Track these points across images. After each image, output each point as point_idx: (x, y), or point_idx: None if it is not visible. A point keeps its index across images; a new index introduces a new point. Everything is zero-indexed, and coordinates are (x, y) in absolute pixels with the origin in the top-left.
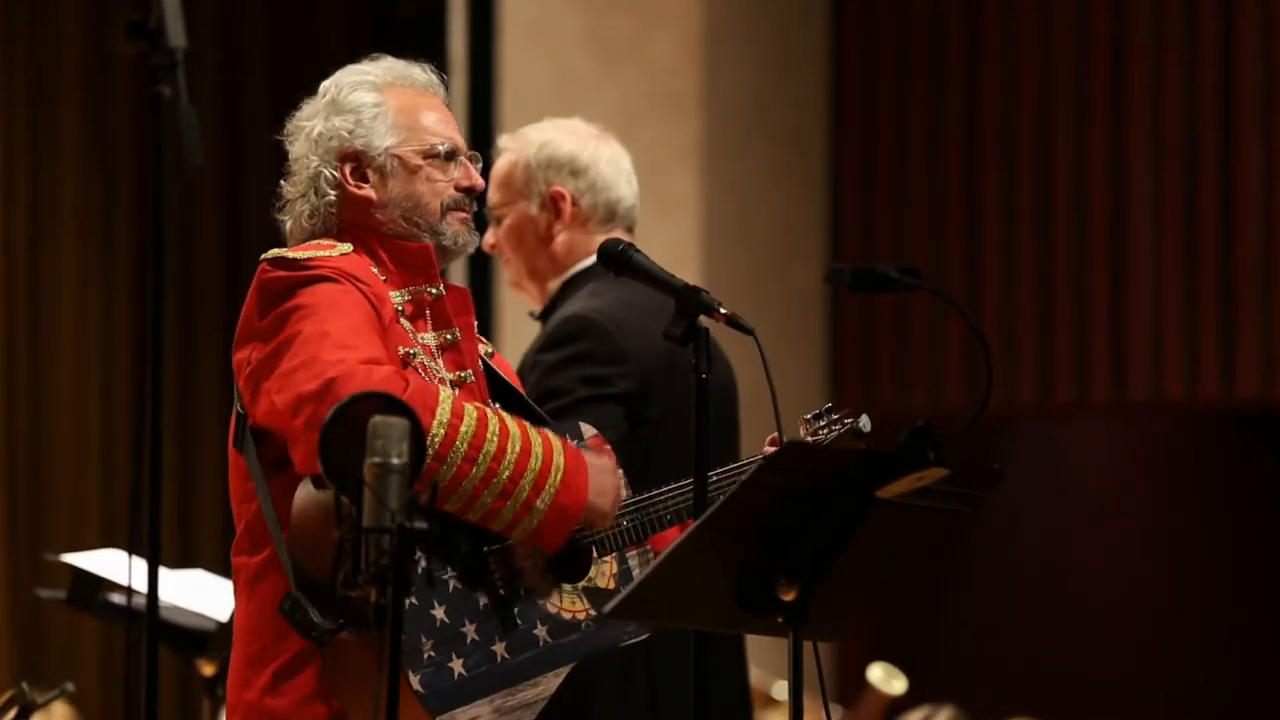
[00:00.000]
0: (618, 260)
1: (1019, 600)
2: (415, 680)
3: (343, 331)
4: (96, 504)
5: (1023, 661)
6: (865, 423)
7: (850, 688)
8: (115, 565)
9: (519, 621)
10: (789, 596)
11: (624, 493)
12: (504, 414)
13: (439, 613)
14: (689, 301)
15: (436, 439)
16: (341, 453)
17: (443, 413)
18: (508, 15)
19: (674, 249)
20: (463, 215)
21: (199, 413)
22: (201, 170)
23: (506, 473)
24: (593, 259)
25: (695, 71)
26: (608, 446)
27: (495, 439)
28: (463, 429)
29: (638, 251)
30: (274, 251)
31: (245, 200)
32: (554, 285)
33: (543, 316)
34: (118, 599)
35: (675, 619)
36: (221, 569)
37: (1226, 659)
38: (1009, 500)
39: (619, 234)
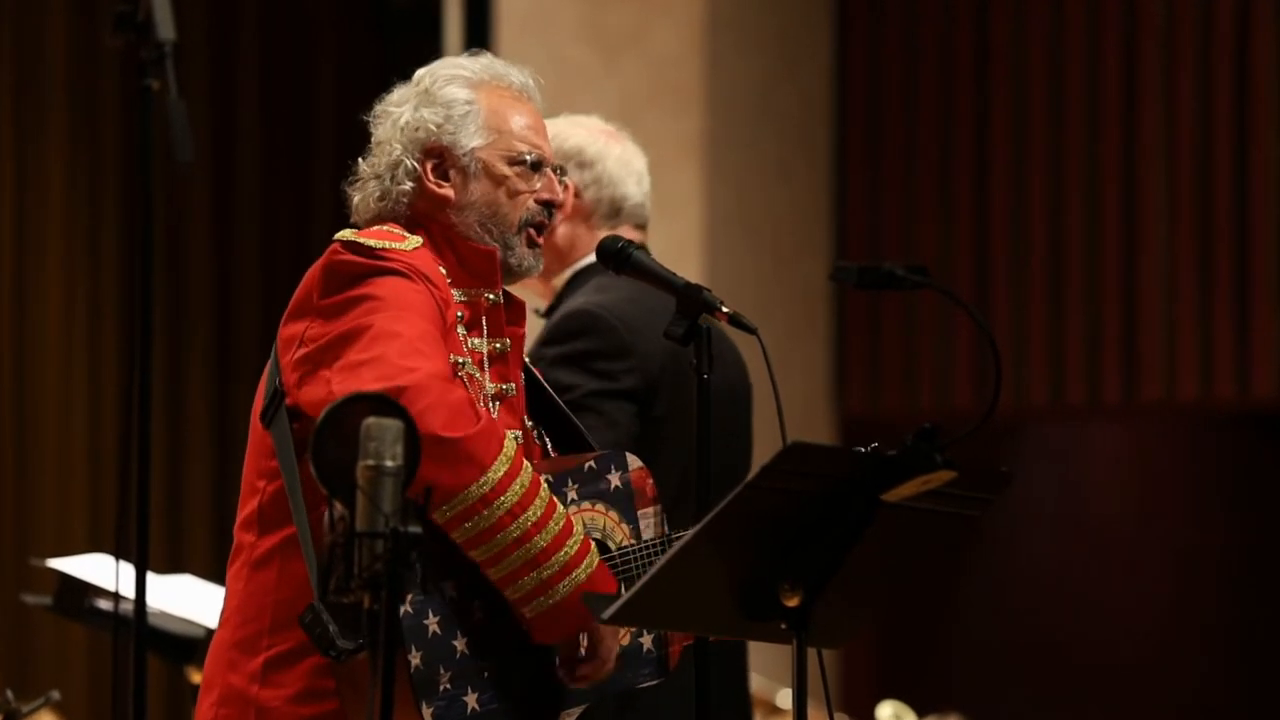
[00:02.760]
0: (617, 258)
1: (1029, 605)
2: (428, 713)
3: (415, 337)
4: (83, 507)
5: (1033, 667)
6: None
7: (856, 695)
8: (102, 570)
9: (538, 659)
10: (793, 602)
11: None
12: (552, 493)
13: (460, 644)
14: (690, 300)
15: (488, 484)
16: (334, 455)
17: (502, 461)
18: (504, 5)
19: (675, 245)
20: (533, 236)
21: (188, 413)
22: (191, 166)
23: (543, 543)
24: (594, 256)
25: (697, 63)
26: (651, 480)
27: (542, 506)
28: (516, 483)
29: (638, 249)
30: (346, 233)
31: (236, 197)
32: (558, 281)
33: (548, 313)
34: (105, 605)
35: (676, 625)
36: (211, 574)
37: (1243, 664)
38: (1019, 504)
39: (626, 232)
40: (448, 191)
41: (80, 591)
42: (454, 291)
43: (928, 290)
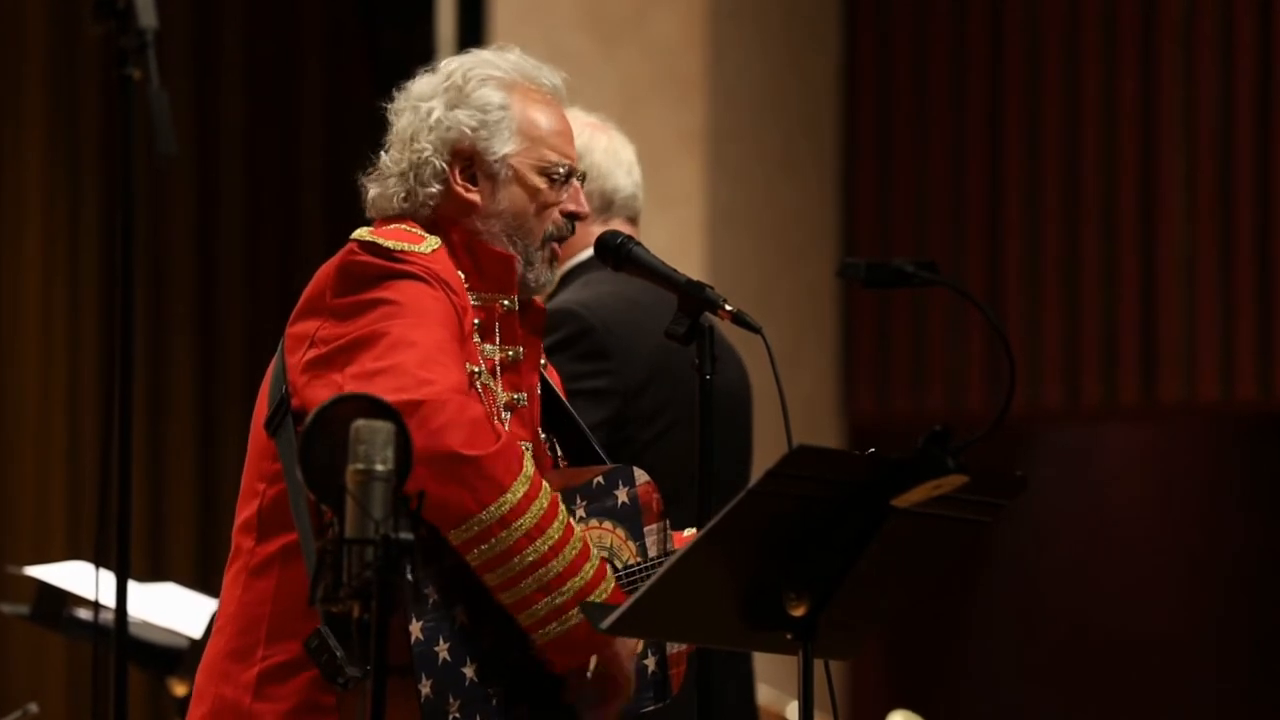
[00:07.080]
0: (616, 253)
1: (1044, 612)
2: None
3: (432, 346)
4: (62, 513)
5: (1048, 673)
6: None
7: (865, 706)
8: (81, 578)
9: (545, 683)
10: (798, 612)
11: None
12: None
13: (469, 671)
14: (692, 298)
15: (507, 505)
16: (322, 458)
17: (522, 481)
18: None
19: (676, 241)
20: (555, 250)
21: (170, 416)
22: (173, 158)
23: (558, 568)
24: (589, 252)
25: (699, 52)
26: (657, 495)
27: (559, 530)
28: (535, 505)
29: (637, 244)
30: (363, 232)
31: (219, 191)
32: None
33: None
34: (84, 614)
35: (677, 635)
36: (194, 583)
37: (1260, 666)
38: (1034, 509)
39: (619, 225)
40: (475, 197)
41: (59, 600)
42: (469, 296)
43: (938, 288)
